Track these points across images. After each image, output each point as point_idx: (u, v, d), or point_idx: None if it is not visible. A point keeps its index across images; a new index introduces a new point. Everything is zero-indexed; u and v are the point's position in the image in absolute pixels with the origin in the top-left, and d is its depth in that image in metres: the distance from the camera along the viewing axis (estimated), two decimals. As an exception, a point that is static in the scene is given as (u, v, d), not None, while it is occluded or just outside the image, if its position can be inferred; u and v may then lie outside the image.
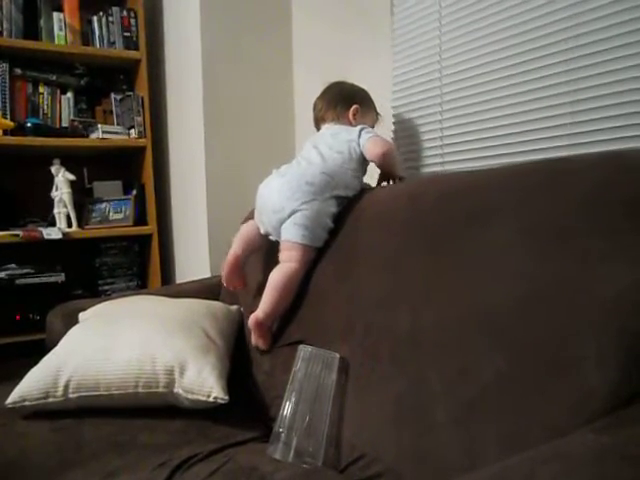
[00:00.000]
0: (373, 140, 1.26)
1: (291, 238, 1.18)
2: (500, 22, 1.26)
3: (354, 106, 1.38)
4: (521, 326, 0.76)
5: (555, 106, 1.16)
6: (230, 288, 1.41)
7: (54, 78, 2.23)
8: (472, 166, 1.35)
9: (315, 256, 1.20)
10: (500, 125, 1.28)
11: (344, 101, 1.39)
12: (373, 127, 1.41)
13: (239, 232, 1.37)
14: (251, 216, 1.37)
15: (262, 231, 1.29)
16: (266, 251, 1.35)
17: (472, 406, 0.79)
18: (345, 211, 1.21)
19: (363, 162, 1.29)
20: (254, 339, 1.25)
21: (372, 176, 1.37)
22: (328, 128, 1.36)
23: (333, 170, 1.22)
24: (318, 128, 1.43)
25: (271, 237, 1.27)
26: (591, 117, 1.09)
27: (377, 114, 1.46)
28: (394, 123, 1.59)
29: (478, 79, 1.32)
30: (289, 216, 1.18)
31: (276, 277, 1.19)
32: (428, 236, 0.97)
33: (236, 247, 1.34)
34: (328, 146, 1.27)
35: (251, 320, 1.20)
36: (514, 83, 1.24)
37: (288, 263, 1.19)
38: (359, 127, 1.30)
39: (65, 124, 2.24)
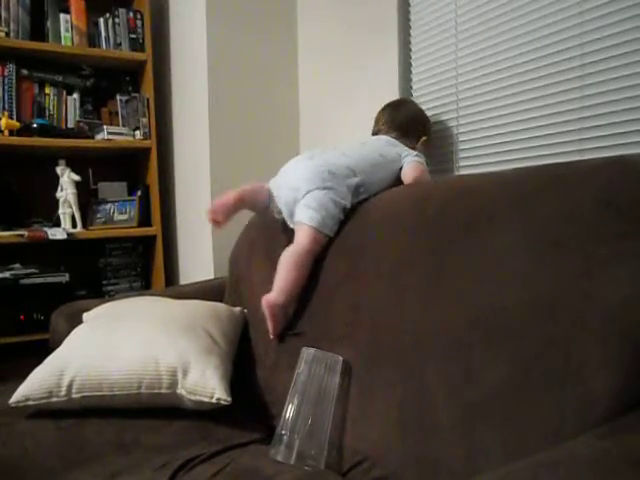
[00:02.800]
0: (415, 165, 1.31)
1: (301, 219, 1.20)
2: (513, 29, 1.27)
3: (424, 138, 1.41)
4: (524, 331, 0.76)
5: (566, 112, 1.17)
6: (210, 220, 1.31)
7: (60, 79, 2.24)
8: (486, 170, 1.35)
9: (325, 242, 1.19)
10: (515, 130, 1.29)
11: (415, 130, 1.41)
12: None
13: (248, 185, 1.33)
14: (254, 220, 1.36)
15: (274, 209, 1.30)
16: (271, 247, 1.35)
17: (475, 411, 0.79)
18: (351, 213, 1.22)
19: (397, 178, 1.31)
20: (268, 324, 1.21)
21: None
22: (388, 137, 1.38)
23: (362, 169, 1.24)
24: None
25: (283, 218, 1.27)
26: (600, 123, 1.10)
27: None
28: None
29: (493, 85, 1.34)
30: (303, 197, 1.20)
31: (286, 255, 1.19)
32: (432, 240, 0.97)
33: (241, 192, 1.30)
34: (376, 147, 1.31)
35: (263, 301, 1.17)
36: (528, 89, 1.25)
37: (298, 240, 1.19)
38: (414, 152, 1.34)
39: (71, 125, 2.25)
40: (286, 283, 1.18)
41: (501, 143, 1.33)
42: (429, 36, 1.53)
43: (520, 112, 1.27)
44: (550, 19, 1.19)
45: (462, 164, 1.44)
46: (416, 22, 1.57)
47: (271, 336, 1.23)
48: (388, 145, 1.34)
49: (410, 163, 1.31)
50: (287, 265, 1.18)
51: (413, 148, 1.38)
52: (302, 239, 1.19)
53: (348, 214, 1.21)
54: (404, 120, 1.41)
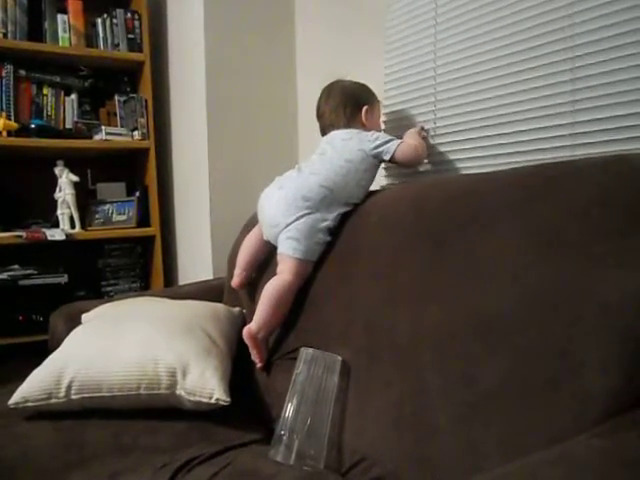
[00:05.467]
0: (400, 149, 1.27)
1: (284, 251, 1.19)
2: (499, 20, 1.22)
3: (364, 108, 1.35)
4: (523, 331, 0.76)
5: (556, 105, 1.12)
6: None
7: (58, 80, 2.24)
8: (465, 166, 1.33)
9: (312, 268, 1.20)
10: (495, 124, 1.24)
11: (352, 104, 1.35)
12: (379, 117, 1.41)
13: (242, 247, 1.38)
14: (252, 221, 1.37)
15: (265, 238, 1.30)
16: (269, 258, 1.35)
17: (473, 410, 0.79)
18: (349, 214, 1.22)
19: (374, 169, 1.29)
20: (252, 354, 1.25)
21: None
22: (339, 133, 1.32)
23: (335, 182, 1.21)
24: (325, 134, 1.38)
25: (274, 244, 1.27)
26: (593, 117, 1.06)
27: (379, 102, 1.43)
28: (386, 122, 1.54)
29: (473, 78, 1.29)
30: (283, 230, 1.20)
31: (269, 289, 1.19)
32: (429, 240, 0.97)
33: (242, 266, 1.37)
34: (338, 153, 1.26)
35: (245, 332, 1.20)
36: (512, 82, 1.20)
37: (282, 275, 1.19)
38: (373, 136, 1.28)
39: (69, 125, 2.24)
40: (267, 318, 1.19)
41: (479, 138, 1.28)
42: (408, 34, 1.48)
43: (502, 106, 1.22)
44: (536, 10, 1.14)
45: (439, 158, 1.39)
46: (394, 19, 1.51)
47: (258, 365, 1.25)
48: (345, 143, 1.28)
49: (397, 147, 1.26)
50: (270, 300, 1.18)
51: (362, 124, 1.34)
52: (286, 274, 1.18)
53: (346, 215, 1.21)
54: (341, 101, 1.36)
